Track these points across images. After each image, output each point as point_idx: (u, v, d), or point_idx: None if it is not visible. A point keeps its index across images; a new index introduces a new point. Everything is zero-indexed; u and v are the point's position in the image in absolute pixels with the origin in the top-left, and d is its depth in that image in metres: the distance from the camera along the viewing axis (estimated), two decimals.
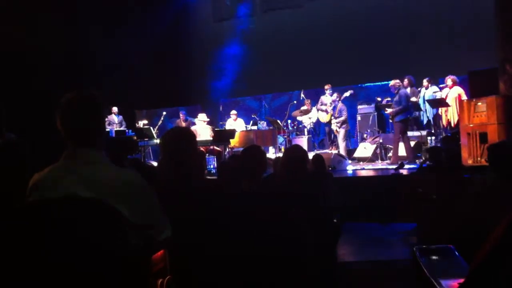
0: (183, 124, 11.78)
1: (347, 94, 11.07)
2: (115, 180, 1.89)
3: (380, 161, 10.26)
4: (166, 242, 2.08)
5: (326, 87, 11.39)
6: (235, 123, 11.94)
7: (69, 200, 1.79)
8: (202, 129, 10.92)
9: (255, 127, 12.14)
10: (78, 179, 1.86)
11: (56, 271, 1.62)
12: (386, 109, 9.89)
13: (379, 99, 10.66)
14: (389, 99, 10.67)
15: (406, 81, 10.68)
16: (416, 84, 10.83)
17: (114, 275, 1.72)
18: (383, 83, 10.30)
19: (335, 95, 11.07)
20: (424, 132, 10.48)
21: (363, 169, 9.72)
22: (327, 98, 11.29)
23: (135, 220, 1.88)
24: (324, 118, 11.42)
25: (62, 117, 1.94)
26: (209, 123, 11.31)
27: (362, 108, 11.88)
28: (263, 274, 2.59)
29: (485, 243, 1.53)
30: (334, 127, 10.91)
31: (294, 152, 3.89)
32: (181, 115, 12.30)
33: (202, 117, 11.17)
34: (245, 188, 3.29)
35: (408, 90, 10.63)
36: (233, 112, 12.21)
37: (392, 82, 9.67)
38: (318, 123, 12.16)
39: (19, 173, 2.49)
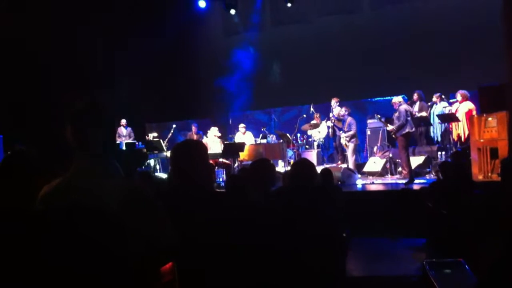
0: (195, 137, 11.81)
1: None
2: (121, 191, 1.89)
3: (389, 176, 10.20)
4: (174, 253, 2.07)
5: (332, 101, 11.51)
6: (243, 137, 11.95)
7: (74, 209, 1.79)
8: (212, 142, 10.95)
9: (264, 141, 12.13)
10: (86, 190, 1.87)
11: (59, 279, 1.62)
12: (388, 125, 9.89)
13: (378, 116, 10.66)
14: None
15: (415, 96, 10.67)
16: (426, 99, 10.79)
17: (118, 285, 1.71)
18: (392, 97, 10.28)
19: (343, 109, 11.06)
20: (434, 147, 10.43)
21: (373, 183, 9.67)
22: (334, 110, 11.35)
23: (140, 230, 1.87)
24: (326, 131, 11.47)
25: (71, 127, 1.95)
26: (219, 136, 11.35)
27: (372, 122, 11.86)
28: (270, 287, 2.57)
29: (493, 257, 1.52)
30: (343, 141, 10.88)
31: (301, 165, 3.88)
32: (193, 127, 12.34)
33: (214, 131, 11.21)
34: (253, 201, 3.29)
35: (418, 104, 10.61)
36: (242, 125, 12.22)
37: (394, 99, 9.67)
38: (327, 137, 12.15)
39: (28, 183, 2.51)
